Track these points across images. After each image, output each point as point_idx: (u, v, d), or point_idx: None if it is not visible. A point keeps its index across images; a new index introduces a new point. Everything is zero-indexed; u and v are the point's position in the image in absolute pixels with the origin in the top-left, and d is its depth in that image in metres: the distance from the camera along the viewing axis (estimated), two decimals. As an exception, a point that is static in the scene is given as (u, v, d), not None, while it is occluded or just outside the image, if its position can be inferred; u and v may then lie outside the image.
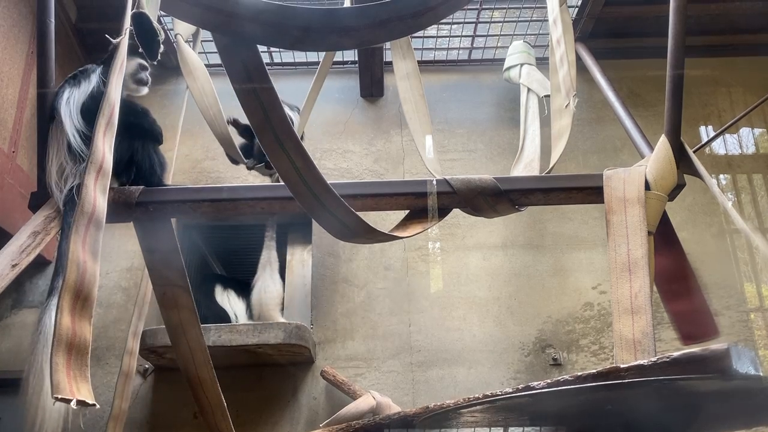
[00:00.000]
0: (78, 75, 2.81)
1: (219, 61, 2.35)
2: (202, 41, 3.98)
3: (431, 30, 4.49)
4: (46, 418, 2.14)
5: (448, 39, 4.55)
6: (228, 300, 4.06)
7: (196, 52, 3.74)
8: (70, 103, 2.70)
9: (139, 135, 2.94)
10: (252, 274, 3.93)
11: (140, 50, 2.70)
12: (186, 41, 3.61)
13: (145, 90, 3.11)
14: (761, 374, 1.40)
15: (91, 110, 2.64)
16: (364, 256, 4.05)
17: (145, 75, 3.08)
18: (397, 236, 2.74)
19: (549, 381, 1.66)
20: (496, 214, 2.98)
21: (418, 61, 3.81)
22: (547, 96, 3.73)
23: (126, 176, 2.92)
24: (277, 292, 3.79)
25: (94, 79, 2.77)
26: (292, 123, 3.10)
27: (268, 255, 3.87)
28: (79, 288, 1.74)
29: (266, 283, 3.77)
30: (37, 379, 2.17)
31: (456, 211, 2.95)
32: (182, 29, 3.59)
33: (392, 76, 3.86)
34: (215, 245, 4.77)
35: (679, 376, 1.43)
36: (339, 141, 4.43)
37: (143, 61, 3.04)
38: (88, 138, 2.61)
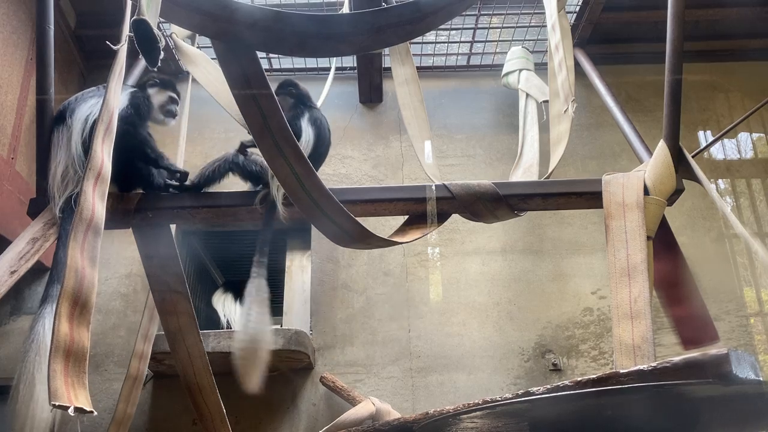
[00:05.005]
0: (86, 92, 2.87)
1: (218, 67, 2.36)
2: (201, 47, 3.99)
3: (430, 36, 4.50)
4: (34, 427, 2.12)
5: (446, 45, 4.56)
6: (224, 305, 4.06)
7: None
8: (81, 106, 2.74)
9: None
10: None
11: (168, 83, 2.83)
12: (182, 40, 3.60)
13: (172, 122, 3.12)
14: (761, 379, 1.40)
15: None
16: (364, 262, 4.04)
17: (174, 108, 3.10)
18: (396, 242, 2.74)
19: (549, 386, 1.66)
20: (495, 220, 2.99)
21: (417, 67, 3.83)
22: (546, 101, 3.74)
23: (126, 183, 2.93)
24: None
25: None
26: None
27: None
28: (78, 294, 1.73)
29: None
30: (28, 387, 2.14)
31: (455, 217, 2.95)
32: (177, 29, 3.57)
33: (391, 82, 3.87)
34: (214, 251, 4.76)
35: (679, 382, 1.43)
36: (338, 147, 4.42)
37: (174, 95, 3.08)
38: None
